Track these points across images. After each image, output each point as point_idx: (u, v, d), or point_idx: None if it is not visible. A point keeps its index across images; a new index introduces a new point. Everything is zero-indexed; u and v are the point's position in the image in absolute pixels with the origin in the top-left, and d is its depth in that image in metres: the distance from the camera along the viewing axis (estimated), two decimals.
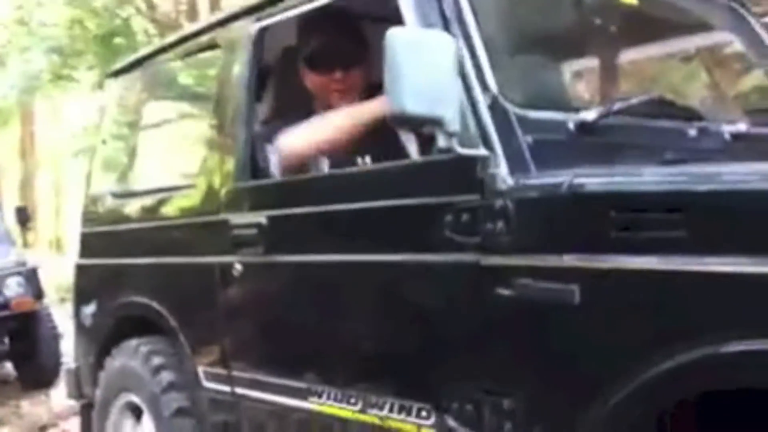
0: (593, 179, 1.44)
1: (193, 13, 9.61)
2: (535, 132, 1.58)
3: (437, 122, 1.52)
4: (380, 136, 2.03)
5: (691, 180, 1.38)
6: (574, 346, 1.39)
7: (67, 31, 10.68)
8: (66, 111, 17.03)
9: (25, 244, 7.88)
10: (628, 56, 2.47)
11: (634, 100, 1.73)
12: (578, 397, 1.37)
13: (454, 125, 1.53)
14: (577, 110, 1.70)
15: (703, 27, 2.52)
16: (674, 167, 1.52)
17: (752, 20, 2.47)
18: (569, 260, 1.39)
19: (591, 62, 2.37)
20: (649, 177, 1.44)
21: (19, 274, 6.24)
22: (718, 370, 1.20)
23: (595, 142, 1.62)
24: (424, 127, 1.56)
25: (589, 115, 1.66)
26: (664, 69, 2.63)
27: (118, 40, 9.83)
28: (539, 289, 1.43)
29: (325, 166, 2.20)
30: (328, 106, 2.26)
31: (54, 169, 22.22)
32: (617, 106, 1.69)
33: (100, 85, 10.32)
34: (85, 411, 3.06)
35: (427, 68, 1.49)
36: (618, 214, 1.36)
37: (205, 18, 9.58)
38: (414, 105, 1.48)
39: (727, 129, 1.88)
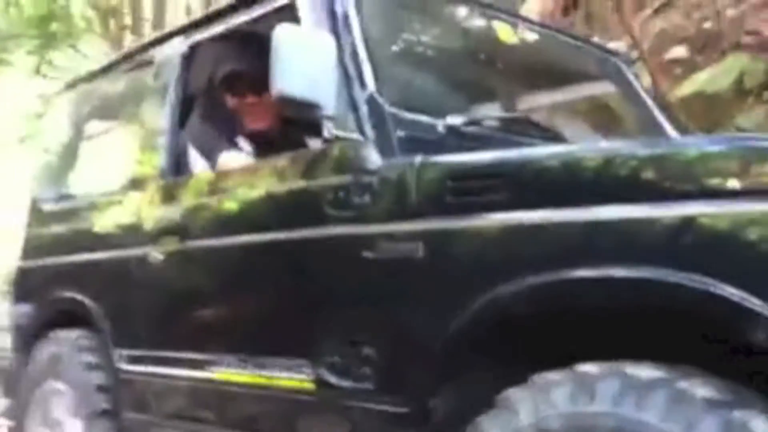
0: (438, 158, 1.81)
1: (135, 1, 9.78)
2: (407, 128, 1.96)
3: (314, 105, 1.86)
4: None
5: (507, 155, 1.76)
6: (419, 292, 1.75)
7: (2, 13, 10.73)
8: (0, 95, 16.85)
9: None
10: (507, 83, 2.89)
11: (499, 115, 2.09)
12: (423, 333, 1.71)
13: (330, 110, 1.88)
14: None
15: (578, 74, 2.98)
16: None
17: (629, 73, 2.95)
18: (416, 224, 1.75)
19: (472, 82, 2.74)
20: (479, 156, 1.81)
21: None
22: (527, 297, 1.53)
23: (461, 145, 1.98)
24: (304, 111, 1.89)
25: (456, 121, 2.05)
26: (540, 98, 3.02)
27: (55, 24, 9.95)
28: (394, 249, 1.77)
29: None
30: (244, 127, 2.56)
31: None
32: (482, 117, 2.06)
33: (37, 70, 10.42)
34: (15, 409, 3.26)
35: (307, 61, 1.85)
36: (453, 183, 1.72)
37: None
38: (293, 89, 1.83)
39: None
